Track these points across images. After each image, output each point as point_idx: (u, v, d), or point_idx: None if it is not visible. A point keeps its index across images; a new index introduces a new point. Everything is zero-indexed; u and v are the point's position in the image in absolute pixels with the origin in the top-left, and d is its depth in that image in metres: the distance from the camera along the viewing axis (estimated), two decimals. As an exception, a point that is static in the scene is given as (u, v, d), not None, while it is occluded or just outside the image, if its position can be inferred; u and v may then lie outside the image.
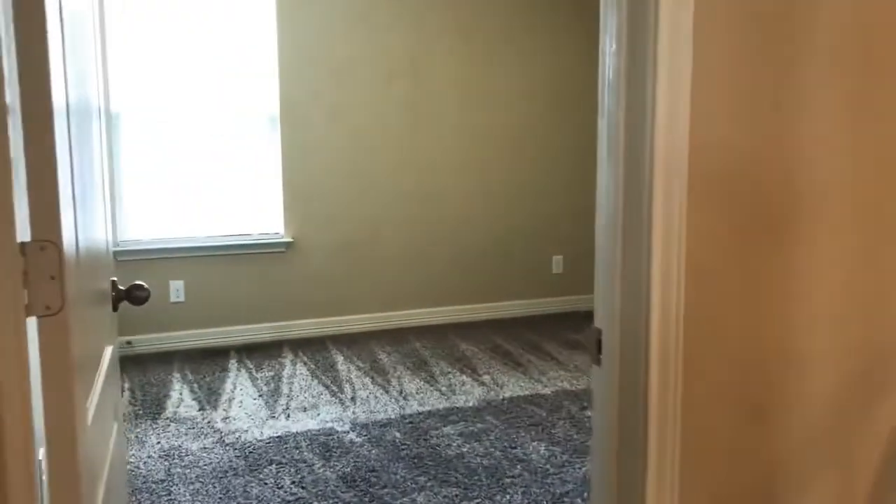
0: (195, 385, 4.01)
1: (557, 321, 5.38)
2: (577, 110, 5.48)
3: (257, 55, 4.68)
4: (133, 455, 3.13)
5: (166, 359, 4.48)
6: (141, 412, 3.62)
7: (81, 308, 1.10)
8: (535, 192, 5.46)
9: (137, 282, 1.65)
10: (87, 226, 1.23)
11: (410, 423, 3.48)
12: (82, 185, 1.19)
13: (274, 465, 3.03)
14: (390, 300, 5.14)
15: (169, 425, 3.46)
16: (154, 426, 3.45)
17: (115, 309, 1.60)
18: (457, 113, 5.16)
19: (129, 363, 4.38)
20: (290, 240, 4.83)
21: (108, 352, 1.51)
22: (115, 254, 4.45)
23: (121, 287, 1.61)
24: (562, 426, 3.43)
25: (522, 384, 4.02)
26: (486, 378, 4.11)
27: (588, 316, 5.56)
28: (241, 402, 3.77)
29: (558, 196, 5.52)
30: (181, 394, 3.89)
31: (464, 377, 4.13)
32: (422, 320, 5.23)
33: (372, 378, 4.12)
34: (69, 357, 0.97)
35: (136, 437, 3.32)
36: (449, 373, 4.20)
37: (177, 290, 4.63)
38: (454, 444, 3.23)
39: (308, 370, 4.26)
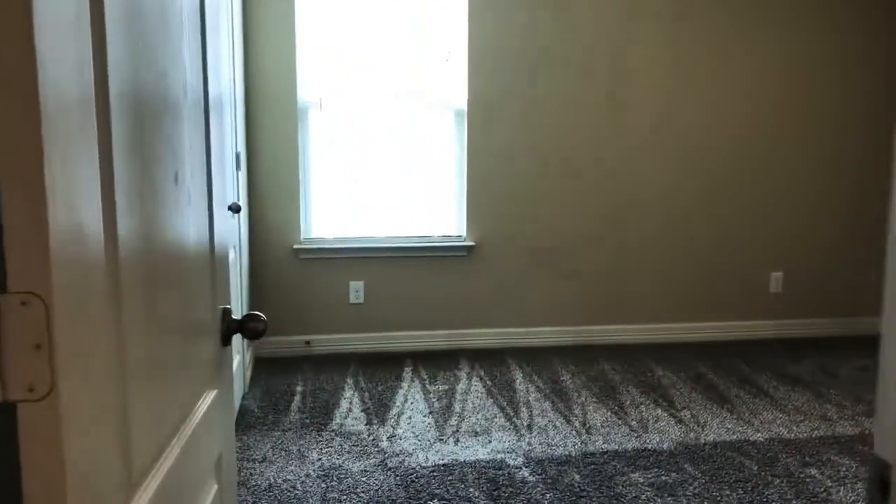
0: (366, 394, 3.81)
1: (773, 349, 4.65)
2: (815, 107, 4.70)
3: (447, 44, 4.40)
4: (292, 471, 2.94)
5: (342, 361, 4.33)
6: (308, 421, 3.46)
7: (149, 350, 0.80)
8: (753, 198, 4.75)
9: (254, 312, 1.37)
10: (170, 244, 0.94)
11: (593, 463, 3.03)
12: (168, 195, 0.90)
13: (436, 501, 2.72)
14: (578, 314, 4.69)
15: (333, 439, 3.26)
16: (318, 439, 3.27)
17: (225, 343, 1.32)
18: (667, 110, 4.59)
19: (306, 364, 4.28)
20: (472, 243, 4.52)
21: (210, 398, 1.23)
22: (298, 251, 4.38)
23: (235, 317, 1.33)
24: (777, 487, 2.82)
25: (729, 426, 3.42)
26: (685, 414, 3.55)
27: (812, 344, 4.85)
28: (409, 418, 3.51)
29: (779, 204, 4.77)
30: (351, 403, 3.69)
31: (658, 411, 3.60)
32: (612, 338, 4.72)
33: (552, 402, 3.70)
34: (60, 462, 0.66)
35: (299, 450, 3.14)
36: (641, 404, 3.69)
37: (356, 291, 4.48)
38: (643, 496, 2.74)
39: (484, 387, 3.92)
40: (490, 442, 3.23)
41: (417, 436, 3.30)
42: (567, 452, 3.13)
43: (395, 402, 3.70)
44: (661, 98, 4.57)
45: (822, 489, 2.80)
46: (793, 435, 3.31)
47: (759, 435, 3.31)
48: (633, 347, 4.65)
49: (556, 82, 4.47)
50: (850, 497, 2.74)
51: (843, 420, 3.50)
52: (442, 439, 3.27)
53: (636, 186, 4.63)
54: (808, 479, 2.88)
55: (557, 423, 3.44)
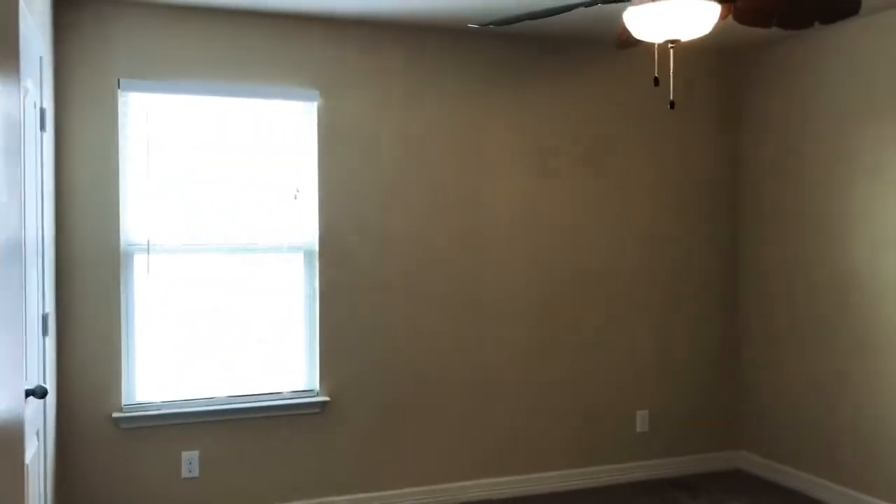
0: None
1: (644, 493, 4.45)
2: (672, 240, 4.72)
3: (294, 182, 4.03)
4: None
5: (173, 552, 3.63)
6: None
7: None
8: (617, 337, 4.64)
9: None
10: None
11: None
12: None
13: None
14: (439, 470, 4.28)
15: None
16: None
17: None
18: (527, 245, 4.43)
19: (126, 560, 3.54)
20: (326, 398, 4.04)
21: None
22: (118, 420, 3.70)
23: None
24: None
25: None
26: None
27: (678, 485, 4.70)
28: None
29: (643, 342, 4.69)
30: None
31: None
32: (479, 494, 4.34)
33: None
34: None
35: None
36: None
37: (189, 462, 3.83)
38: None
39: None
40: None
41: None
42: None
43: None
44: (521, 231, 4.41)
45: None
46: None
47: None
48: (505, 502, 4.29)
49: (412, 215, 4.20)
50: None
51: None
52: None
53: (500, 332, 4.38)
54: None
55: None
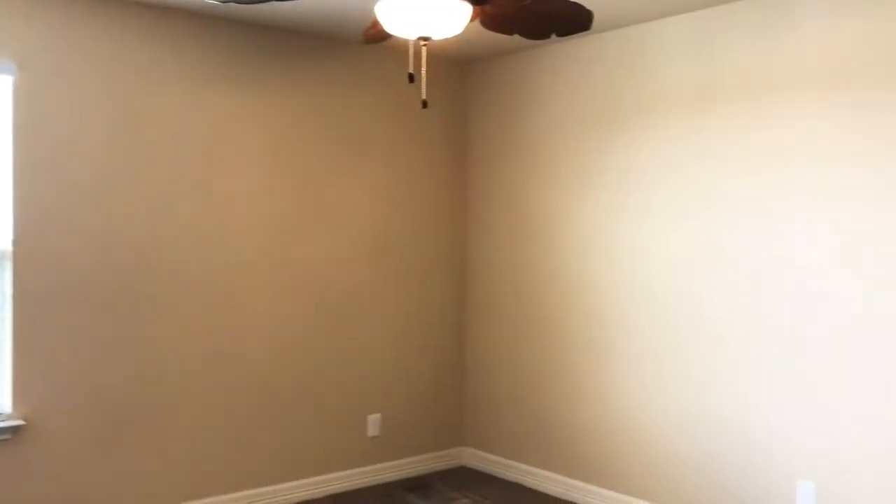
0: None
1: (378, 499, 4.43)
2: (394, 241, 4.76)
3: (-19, 169, 3.41)
4: None
5: None
6: None
7: None
8: (349, 339, 4.58)
9: None
10: None
11: None
12: None
13: None
14: (168, 488, 3.89)
15: None
16: None
17: None
18: (259, 243, 4.20)
19: None
20: (20, 422, 3.46)
21: None
22: None
23: None
24: None
25: None
26: None
27: (411, 486, 4.74)
28: None
29: (376, 344, 4.68)
30: None
31: None
32: (207, 514, 4.02)
33: None
34: None
35: None
36: None
37: None
38: None
39: None
40: None
41: None
42: None
43: None
44: (256, 230, 4.18)
45: None
46: None
47: None
48: (233, 523, 4.01)
49: (128, 210, 3.78)
50: None
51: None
52: None
53: (225, 336, 4.10)
54: None
55: None
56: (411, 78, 2.42)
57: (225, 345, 4.09)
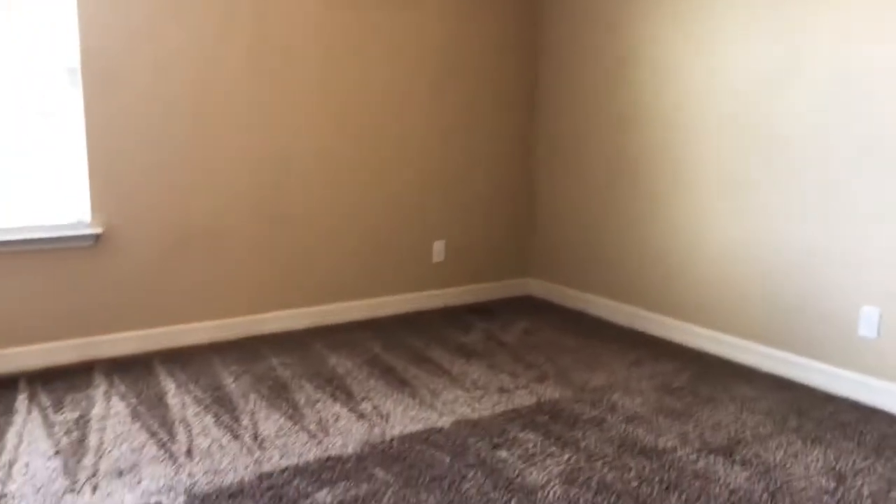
0: (-40, 441, 2.87)
1: (441, 319, 4.57)
2: (469, 77, 4.64)
3: (45, -17, 3.47)
4: None
5: (-76, 398, 3.26)
6: None
7: None
8: (413, 167, 4.58)
9: None
10: None
11: (271, 487, 2.55)
12: None
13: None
14: (236, 302, 4.13)
15: None
16: None
17: None
18: (319, 69, 4.17)
19: None
20: (99, 231, 3.69)
21: None
22: None
23: None
24: (474, 480, 2.62)
25: (412, 413, 3.17)
26: (366, 407, 3.23)
27: (474, 310, 4.89)
28: (26, 465, 2.68)
29: (439, 173, 4.68)
30: (-64, 458, 2.74)
31: (337, 406, 3.23)
32: (277, 326, 4.25)
33: (215, 415, 3.13)
34: None
35: None
36: (317, 401, 3.28)
37: (-63, 302, 3.40)
38: (334, 521, 2.34)
39: (127, 407, 3.20)
40: (140, 482, 2.57)
41: (39, 489, 2.52)
42: (239, 478, 2.60)
43: (4, 447, 2.83)
44: (317, 59, 4.15)
45: (514, 472, 2.67)
46: (477, 415, 3.17)
47: (444, 420, 3.11)
48: (303, 333, 4.23)
49: (194, 33, 3.80)
50: (543, 478, 2.64)
51: (519, 389, 3.47)
52: (74, 489, 2.53)
53: (291, 156, 4.17)
54: (499, 464, 2.73)
55: (224, 442, 2.89)
56: None
57: (294, 166, 4.17)
